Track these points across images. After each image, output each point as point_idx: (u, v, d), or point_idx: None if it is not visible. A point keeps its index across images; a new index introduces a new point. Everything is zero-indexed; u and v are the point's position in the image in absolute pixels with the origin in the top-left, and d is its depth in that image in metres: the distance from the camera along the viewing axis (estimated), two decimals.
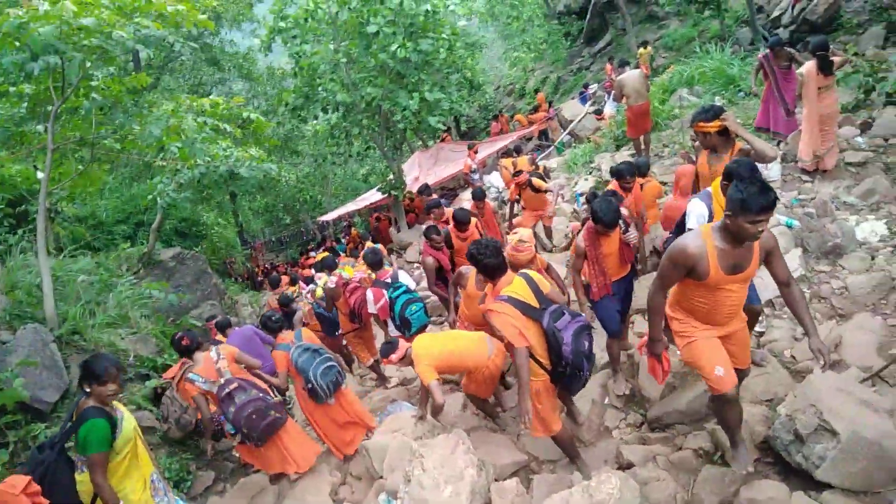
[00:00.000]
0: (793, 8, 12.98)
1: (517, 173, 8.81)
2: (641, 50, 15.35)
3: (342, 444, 5.24)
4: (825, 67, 6.55)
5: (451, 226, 6.42)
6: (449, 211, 7.06)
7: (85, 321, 6.32)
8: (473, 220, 6.36)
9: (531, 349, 3.59)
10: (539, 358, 3.64)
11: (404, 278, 6.26)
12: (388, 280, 6.13)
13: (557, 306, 3.72)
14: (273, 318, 5.70)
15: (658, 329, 3.41)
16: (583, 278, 4.67)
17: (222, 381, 4.74)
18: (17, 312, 5.96)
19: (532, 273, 3.96)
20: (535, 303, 3.69)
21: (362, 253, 7.65)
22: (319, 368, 4.94)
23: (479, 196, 7.62)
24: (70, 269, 7.25)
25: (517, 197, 8.32)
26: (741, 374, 3.52)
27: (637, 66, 13.44)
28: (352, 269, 7.03)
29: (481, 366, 4.34)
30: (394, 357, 4.47)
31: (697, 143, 6.27)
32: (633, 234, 4.65)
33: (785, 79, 7.29)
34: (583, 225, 4.82)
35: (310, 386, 4.94)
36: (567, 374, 3.60)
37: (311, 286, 7.24)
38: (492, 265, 3.85)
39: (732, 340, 3.36)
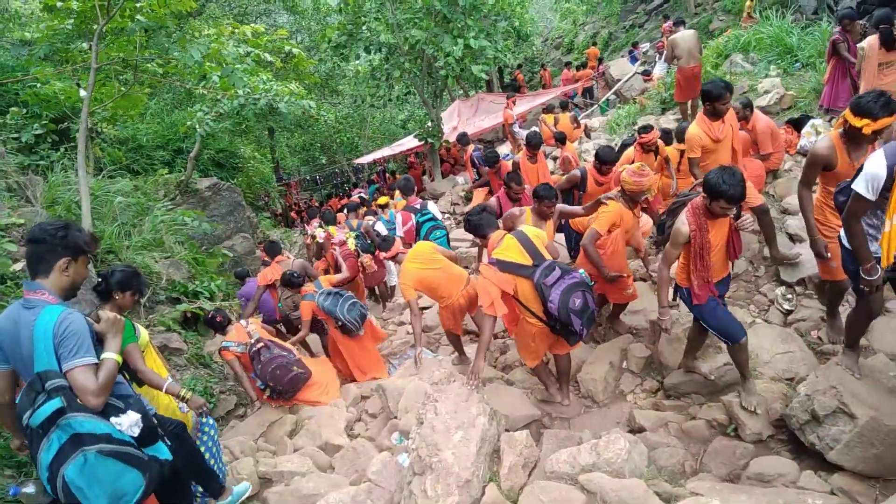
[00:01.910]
0: None
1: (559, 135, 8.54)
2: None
3: (367, 369, 5.77)
4: (888, 42, 6.19)
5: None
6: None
7: (120, 241, 6.50)
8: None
9: (526, 301, 3.85)
10: (533, 310, 3.87)
11: (432, 207, 6.82)
12: (417, 206, 6.69)
13: (550, 262, 3.82)
14: (294, 275, 6.00)
15: None
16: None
17: (252, 340, 5.10)
18: None
19: (528, 229, 4.03)
20: (527, 260, 3.82)
21: (395, 182, 8.22)
22: (345, 307, 5.46)
23: (535, 142, 7.19)
24: (108, 189, 7.41)
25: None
26: None
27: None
28: (336, 230, 7.80)
29: (449, 297, 4.95)
30: (384, 253, 5.20)
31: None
32: (749, 220, 3.58)
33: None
34: (672, 207, 3.84)
35: (340, 324, 5.47)
36: (558, 327, 3.82)
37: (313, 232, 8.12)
38: (475, 222, 4.12)
39: None
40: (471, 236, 8.66)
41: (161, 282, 6.61)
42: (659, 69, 13.63)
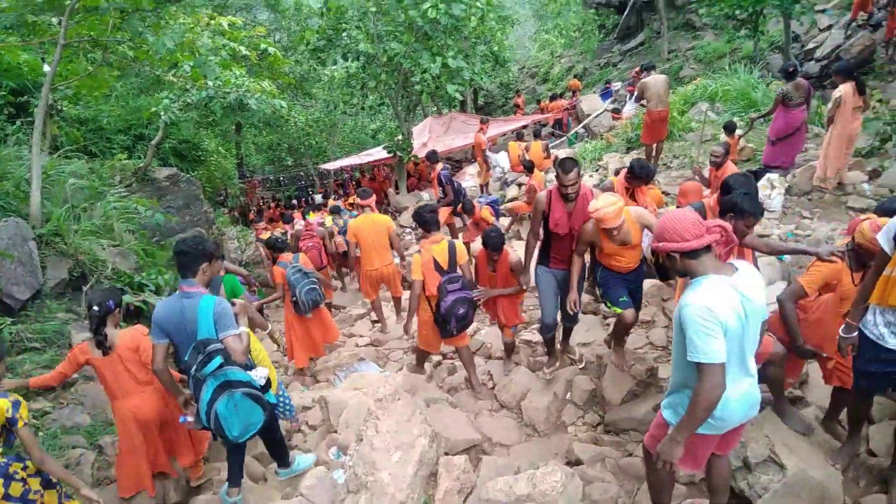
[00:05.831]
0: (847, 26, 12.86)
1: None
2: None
3: (302, 355, 6.43)
4: (862, 87, 6.76)
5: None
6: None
7: (69, 225, 6.25)
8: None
9: (429, 293, 4.82)
10: (431, 301, 4.84)
11: None
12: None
13: (458, 275, 4.78)
14: (280, 239, 6.85)
15: None
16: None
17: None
18: (2, 204, 5.90)
19: (458, 244, 4.91)
20: (444, 265, 4.79)
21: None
22: (305, 288, 6.10)
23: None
24: (62, 170, 7.13)
25: None
26: None
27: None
28: (314, 214, 8.94)
29: (370, 264, 6.80)
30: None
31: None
32: None
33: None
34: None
35: (294, 299, 6.11)
36: (439, 321, 4.77)
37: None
38: (425, 219, 4.90)
39: None
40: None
41: (106, 270, 6.37)
42: (629, 108, 13.97)
